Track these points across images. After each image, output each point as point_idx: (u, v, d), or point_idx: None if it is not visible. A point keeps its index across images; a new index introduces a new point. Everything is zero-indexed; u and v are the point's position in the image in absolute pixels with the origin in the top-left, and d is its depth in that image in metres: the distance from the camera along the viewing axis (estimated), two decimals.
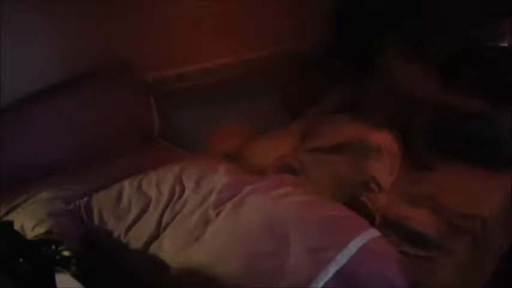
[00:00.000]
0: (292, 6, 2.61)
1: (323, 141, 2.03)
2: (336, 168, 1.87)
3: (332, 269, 1.15)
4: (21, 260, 0.95)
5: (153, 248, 1.33)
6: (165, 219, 1.40)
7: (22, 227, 1.30)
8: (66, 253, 1.05)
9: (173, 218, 1.40)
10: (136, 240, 1.35)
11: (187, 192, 1.49)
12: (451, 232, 1.65)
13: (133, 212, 1.43)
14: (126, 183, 1.53)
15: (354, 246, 1.21)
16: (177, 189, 1.51)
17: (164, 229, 1.38)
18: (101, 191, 1.49)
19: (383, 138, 2.05)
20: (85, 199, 1.45)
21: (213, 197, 1.44)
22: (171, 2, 2.03)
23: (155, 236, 1.36)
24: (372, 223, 1.58)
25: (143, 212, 1.43)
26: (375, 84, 2.47)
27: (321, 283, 1.13)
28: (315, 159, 1.94)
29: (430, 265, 1.50)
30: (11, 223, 1.05)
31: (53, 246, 1.06)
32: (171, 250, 1.30)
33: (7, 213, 1.41)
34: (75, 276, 1.04)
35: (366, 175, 1.81)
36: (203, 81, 2.12)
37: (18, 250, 0.97)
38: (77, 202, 1.44)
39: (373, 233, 1.31)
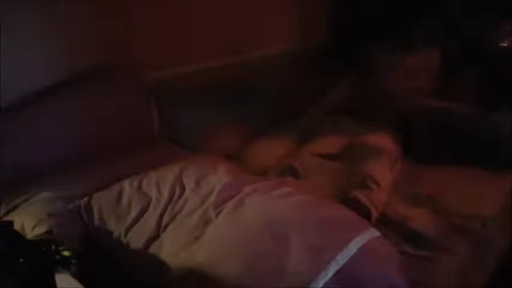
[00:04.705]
0: (292, 6, 2.61)
1: (325, 148, 2.05)
2: (336, 174, 1.88)
3: (332, 269, 1.15)
4: (21, 260, 0.95)
5: (153, 248, 1.33)
6: (165, 219, 1.40)
7: (22, 227, 1.30)
8: (66, 253, 1.05)
9: (173, 218, 1.41)
10: (136, 240, 1.35)
11: (187, 192, 1.50)
12: (451, 232, 1.64)
13: (133, 212, 1.43)
14: (126, 183, 1.53)
15: (354, 246, 1.21)
16: (177, 189, 1.51)
17: (164, 229, 1.38)
18: (101, 191, 1.49)
19: (382, 140, 2.06)
20: (85, 199, 1.45)
21: (213, 197, 1.44)
22: (170, 2, 2.03)
23: (155, 236, 1.36)
24: (368, 219, 1.59)
25: (143, 212, 1.43)
26: (374, 85, 2.47)
27: (321, 283, 1.12)
28: (317, 164, 1.96)
29: (430, 265, 1.50)
30: (11, 223, 1.05)
31: (53, 246, 1.06)
32: (171, 250, 1.30)
33: (7, 213, 1.41)
34: (75, 276, 1.04)
35: (363, 174, 1.82)
36: (203, 81, 2.12)
37: (18, 250, 0.97)
38: (77, 202, 1.44)
39: (373, 233, 1.31)
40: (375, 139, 2.05)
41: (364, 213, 1.58)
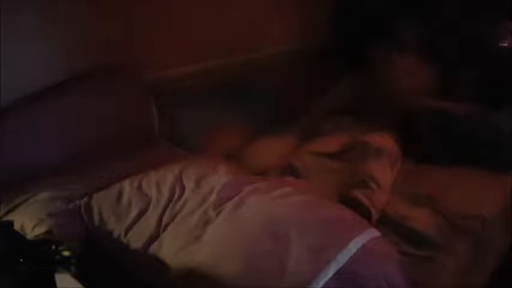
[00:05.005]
0: (292, 6, 2.61)
1: (325, 147, 2.06)
2: (336, 173, 1.88)
3: (332, 269, 1.15)
4: (21, 260, 0.95)
5: (153, 248, 1.33)
6: (165, 219, 1.40)
7: (22, 227, 1.30)
8: (66, 253, 1.05)
9: (173, 218, 1.40)
10: (136, 240, 1.35)
11: (187, 192, 1.50)
12: (451, 232, 1.64)
13: (133, 212, 1.43)
14: (126, 183, 1.53)
15: (353, 246, 1.21)
16: (177, 189, 1.51)
17: (164, 229, 1.38)
18: (101, 191, 1.49)
19: (383, 141, 2.06)
20: (85, 199, 1.45)
21: (213, 197, 1.44)
22: (170, 2, 2.03)
23: (155, 236, 1.36)
24: (368, 219, 1.59)
25: (143, 212, 1.43)
26: (374, 85, 2.48)
27: (321, 283, 1.13)
28: (317, 163, 1.96)
29: (430, 265, 1.50)
30: (11, 223, 1.05)
31: (53, 246, 1.06)
32: (171, 250, 1.30)
33: (7, 213, 1.41)
34: (75, 276, 1.04)
35: (363, 174, 1.82)
36: (203, 81, 2.12)
37: (18, 250, 0.97)
38: (77, 202, 1.44)
39: (373, 232, 1.31)
40: (375, 139, 2.05)
41: (364, 213, 1.58)
